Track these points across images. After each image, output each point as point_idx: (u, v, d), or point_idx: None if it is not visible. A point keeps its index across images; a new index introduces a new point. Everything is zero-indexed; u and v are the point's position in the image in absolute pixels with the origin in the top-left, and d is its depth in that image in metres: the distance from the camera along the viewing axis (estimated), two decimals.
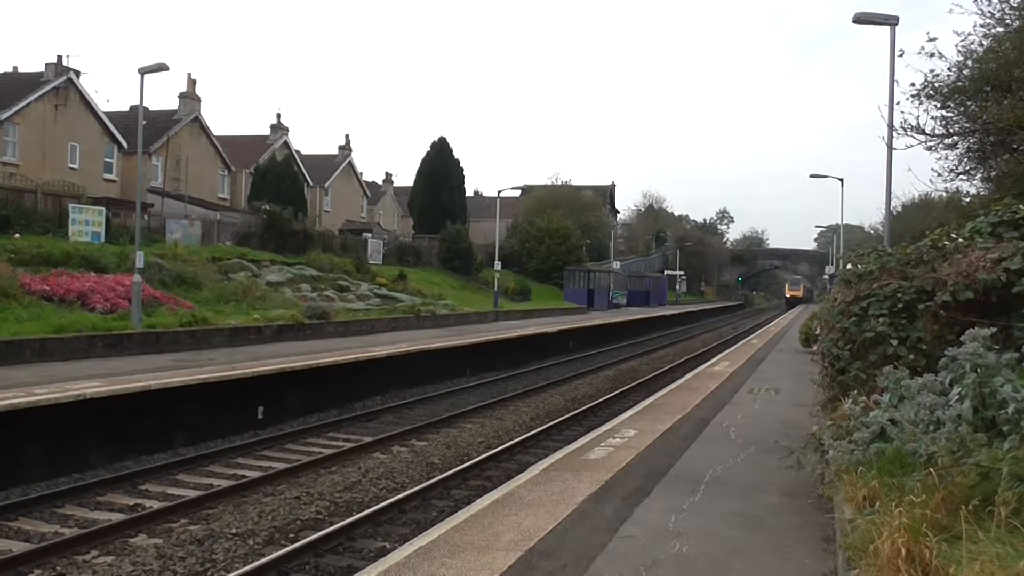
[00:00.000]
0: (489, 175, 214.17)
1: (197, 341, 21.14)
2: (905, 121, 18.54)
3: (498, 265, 47.12)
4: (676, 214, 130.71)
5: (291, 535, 10.12)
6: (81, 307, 21.05)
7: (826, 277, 52.32)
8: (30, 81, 40.24)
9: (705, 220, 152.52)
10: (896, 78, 17.95)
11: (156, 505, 11.22)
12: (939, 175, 24.01)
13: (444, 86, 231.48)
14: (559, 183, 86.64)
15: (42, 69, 40.82)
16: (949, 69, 20.13)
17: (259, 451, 14.89)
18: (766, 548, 6.59)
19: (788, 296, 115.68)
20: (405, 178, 76.01)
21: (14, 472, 12.02)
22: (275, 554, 9.07)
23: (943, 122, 20.48)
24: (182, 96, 49.54)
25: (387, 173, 76.39)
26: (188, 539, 9.83)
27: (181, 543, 9.70)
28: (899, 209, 46.09)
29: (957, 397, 6.20)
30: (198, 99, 50.31)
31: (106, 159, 43.03)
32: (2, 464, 11.90)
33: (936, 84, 19.95)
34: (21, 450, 12.23)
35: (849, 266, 11.20)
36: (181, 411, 14.98)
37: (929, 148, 20.73)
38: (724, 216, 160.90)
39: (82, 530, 10.07)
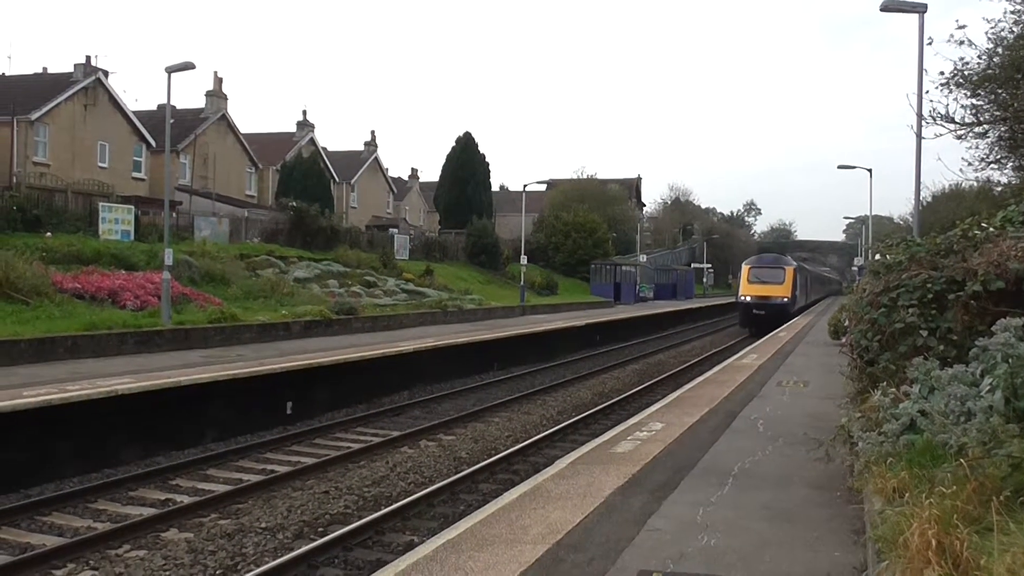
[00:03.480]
0: (514, 169, 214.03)
1: (226, 337, 21.31)
2: (934, 110, 18.37)
3: (524, 259, 47.10)
4: (703, 207, 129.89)
5: (320, 529, 10.19)
6: (112, 304, 21.27)
7: (855, 268, 51.90)
8: (59, 82, 40.68)
9: (732, 212, 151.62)
10: (925, 66, 17.74)
11: (187, 500, 11.34)
12: (969, 164, 23.80)
13: (469, 81, 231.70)
14: (584, 177, 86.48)
15: (71, 70, 41.23)
16: (979, 57, 19.92)
17: (288, 446, 15.00)
18: (795, 541, 6.55)
19: (747, 299, 42.97)
20: (431, 173, 76.08)
21: (48, 468, 12.20)
22: (304, 548, 9.14)
23: (973, 110, 20.29)
24: (209, 94, 49.92)
25: (413, 169, 76.54)
26: (218, 533, 9.93)
27: (212, 537, 9.79)
28: (929, 200, 45.65)
29: (988, 388, 6.13)
30: (225, 97, 50.67)
31: (135, 158, 43.44)
32: (36, 460, 12.08)
33: (966, 72, 19.75)
34: (54, 446, 12.39)
35: (878, 257, 11.10)
36: (211, 407, 15.11)
37: (959, 137, 20.54)
38: (751, 208, 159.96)
39: (114, 524, 10.20)
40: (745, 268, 44.51)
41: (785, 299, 41.78)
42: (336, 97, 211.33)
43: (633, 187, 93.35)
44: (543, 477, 8.81)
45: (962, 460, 5.25)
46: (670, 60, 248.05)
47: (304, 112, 63.34)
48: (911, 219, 26.39)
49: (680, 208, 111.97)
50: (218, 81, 50.47)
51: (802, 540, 6.56)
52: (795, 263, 46.32)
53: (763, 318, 40.36)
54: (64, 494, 11.47)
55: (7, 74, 45.45)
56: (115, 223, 28.79)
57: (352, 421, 17.20)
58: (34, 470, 12.00)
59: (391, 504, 11.01)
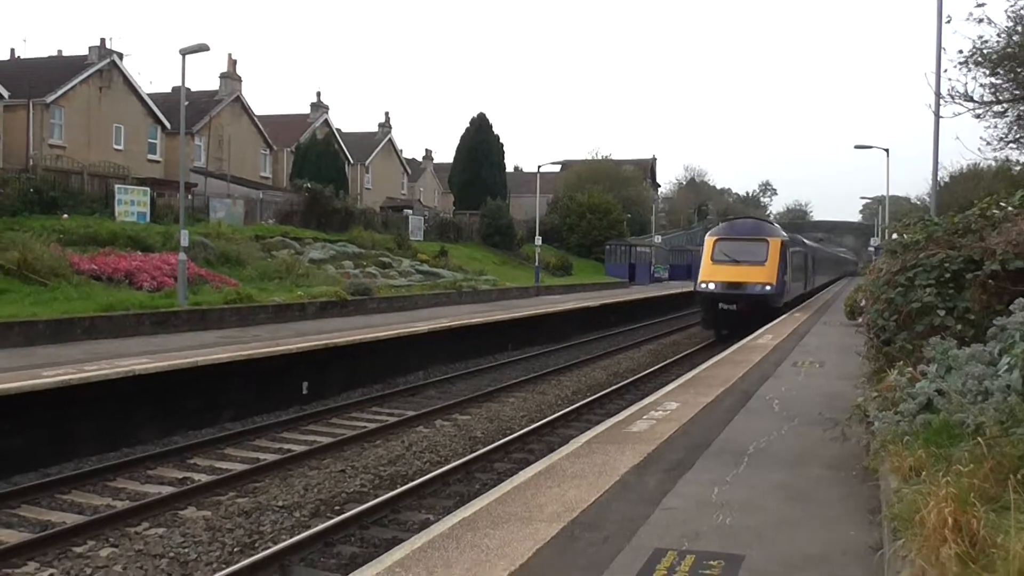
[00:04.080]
0: (529, 150, 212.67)
1: (242, 318, 21.39)
2: (953, 89, 18.18)
3: (539, 240, 47.05)
4: (718, 187, 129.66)
5: (336, 508, 10.28)
6: (128, 286, 21.41)
7: (871, 249, 51.59)
8: (74, 64, 40.80)
9: (748, 193, 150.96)
10: (943, 45, 17.62)
11: (204, 478, 11.43)
12: (988, 144, 23.56)
13: (483, 62, 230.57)
14: (599, 158, 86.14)
15: (86, 52, 41.34)
16: (998, 35, 19.68)
17: (304, 426, 15.10)
18: (810, 520, 6.54)
19: (709, 288, 28.31)
20: (445, 154, 76.30)
21: (67, 447, 12.32)
22: (321, 526, 9.22)
23: (992, 89, 20.08)
24: (223, 76, 49.96)
25: (427, 150, 76.86)
26: (236, 511, 10.02)
27: (229, 515, 9.89)
28: (946, 180, 45.36)
29: (1006, 367, 6.09)
30: (239, 79, 50.71)
31: (150, 140, 43.58)
32: (55, 439, 12.19)
33: (985, 51, 19.52)
34: (73, 425, 12.50)
35: (895, 236, 11.04)
36: (227, 387, 15.21)
37: (977, 116, 20.31)
38: (767, 188, 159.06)
39: (133, 503, 10.31)
40: (709, 241, 29.86)
41: (768, 287, 28.04)
42: (350, 78, 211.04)
43: (648, 168, 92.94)
44: (558, 456, 8.82)
45: (979, 439, 5.23)
46: (686, 40, 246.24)
47: (318, 94, 63.49)
48: (928, 199, 26.23)
49: (695, 189, 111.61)
50: (232, 63, 50.51)
51: (817, 519, 6.56)
52: (784, 233, 31.78)
53: (734, 316, 27.55)
54: (83, 473, 11.59)
55: (22, 57, 45.62)
56: (131, 205, 28.95)
57: (367, 401, 17.28)
58: (53, 449, 12.11)
59: (407, 483, 11.08)
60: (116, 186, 29.48)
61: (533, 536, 6.13)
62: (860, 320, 14.78)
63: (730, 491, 7.31)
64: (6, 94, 35.38)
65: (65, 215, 25.97)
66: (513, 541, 6.04)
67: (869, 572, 5.38)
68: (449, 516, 7.06)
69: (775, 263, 28.44)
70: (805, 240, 43.52)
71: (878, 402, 7.42)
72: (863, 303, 12.26)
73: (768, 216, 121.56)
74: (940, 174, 25.14)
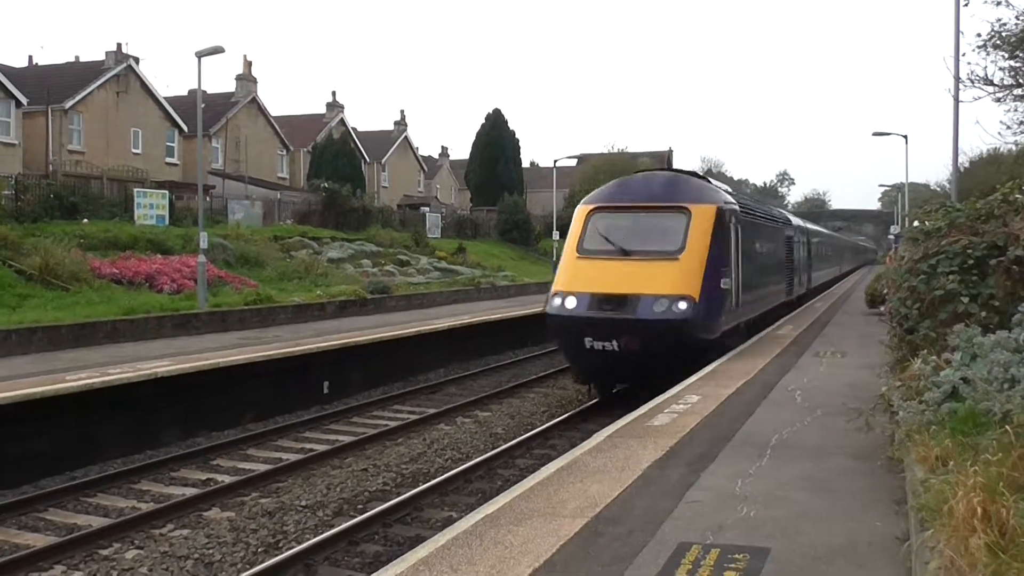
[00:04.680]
0: (545, 145, 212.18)
1: (262, 319, 21.48)
2: (972, 72, 18.02)
3: (556, 235, 46.90)
4: (735, 178, 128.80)
5: (359, 506, 10.30)
6: (149, 289, 21.54)
7: (891, 237, 51.10)
8: (92, 69, 41.10)
9: (765, 183, 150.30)
10: (961, 29, 17.47)
11: (228, 479, 11.48)
12: (1008, 128, 23.30)
13: (497, 57, 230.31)
14: (615, 151, 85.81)
15: (102, 57, 41.64)
16: (1017, 17, 19.47)
17: (326, 425, 15.14)
18: (835, 511, 6.49)
19: (569, 310, 14.42)
20: (461, 151, 76.27)
21: (92, 450, 12.42)
22: (345, 525, 9.24)
23: (1012, 72, 19.86)
24: (239, 78, 50.15)
25: (443, 147, 76.70)
26: (260, 512, 10.05)
27: (253, 516, 9.92)
28: (966, 165, 44.86)
29: None
30: (254, 80, 50.90)
31: (167, 143, 43.84)
32: (80, 442, 12.28)
33: (1003, 33, 19.33)
34: (98, 428, 12.60)
35: (916, 223, 10.94)
36: (249, 388, 15.27)
37: (997, 100, 20.11)
38: (785, 178, 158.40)
39: (158, 504, 10.37)
40: (579, 213, 16.12)
41: (683, 302, 14.28)
42: (365, 77, 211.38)
43: (665, 160, 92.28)
44: (580, 451, 8.79)
45: (1007, 427, 5.17)
46: (701, 31, 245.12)
47: (333, 93, 63.68)
48: (948, 185, 25.98)
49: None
50: (247, 64, 50.70)
51: (842, 510, 6.50)
52: (730, 197, 17.28)
53: (618, 362, 14.53)
54: (108, 475, 11.68)
55: (40, 63, 45.99)
56: (150, 208, 29.09)
57: (388, 399, 17.31)
58: (79, 452, 12.21)
59: (429, 480, 11.09)
60: (135, 190, 29.64)
61: (557, 532, 6.11)
62: (882, 309, 14.64)
63: (754, 483, 7.26)
64: (25, 101, 35.67)
65: (85, 220, 26.15)
66: (537, 537, 6.02)
67: (896, 563, 5.33)
68: (472, 513, 7.04)
69: (701, 253, 14.95)
70: (791, 216, 29.94)
71: (902, 391, 7.35)
72: (885, 291, 12.15)
73: (786, 206, 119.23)
74: (960, 159, 24.90)
